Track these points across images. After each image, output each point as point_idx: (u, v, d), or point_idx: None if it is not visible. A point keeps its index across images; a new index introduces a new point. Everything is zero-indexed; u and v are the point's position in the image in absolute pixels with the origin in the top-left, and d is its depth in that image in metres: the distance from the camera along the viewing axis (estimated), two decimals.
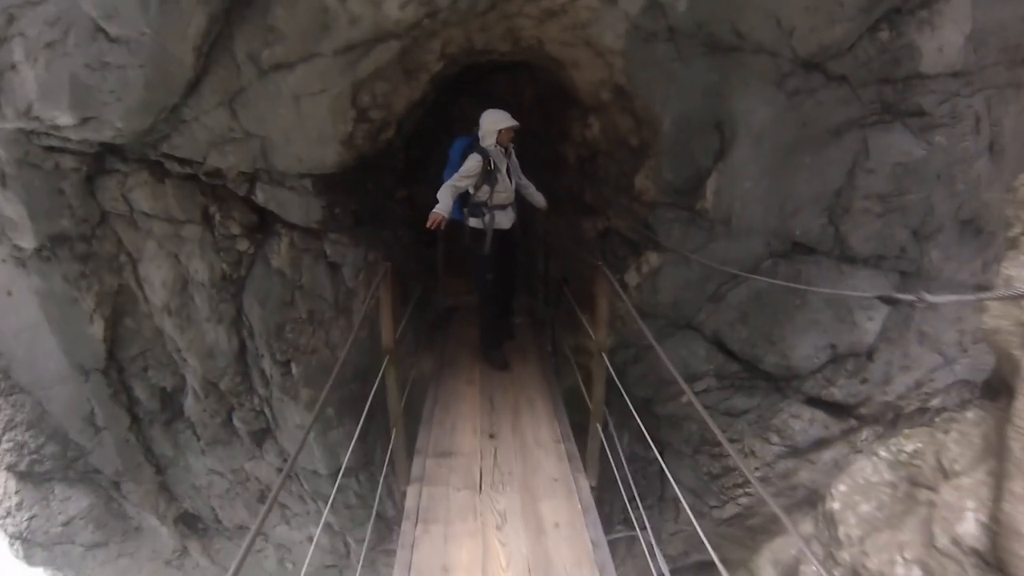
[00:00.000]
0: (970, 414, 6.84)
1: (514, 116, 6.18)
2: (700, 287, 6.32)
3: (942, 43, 5.39)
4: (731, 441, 6.51)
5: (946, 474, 6.25)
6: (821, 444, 6.75)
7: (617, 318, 6.45)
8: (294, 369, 6.52)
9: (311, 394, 6.55)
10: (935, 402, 6.91)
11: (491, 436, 5.51)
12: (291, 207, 6.13)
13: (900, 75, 5.67)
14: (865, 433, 6.85)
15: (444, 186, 5.85)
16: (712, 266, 5.74)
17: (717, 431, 2.84)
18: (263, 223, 6.33)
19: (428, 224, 5.46)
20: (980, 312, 6.67)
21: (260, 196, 6.05)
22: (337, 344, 6.51)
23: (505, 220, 6.44)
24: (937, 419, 6.93)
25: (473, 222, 6.29)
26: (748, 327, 6.28)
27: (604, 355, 4.90)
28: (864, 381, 6.50)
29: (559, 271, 7.84)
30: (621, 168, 6.60)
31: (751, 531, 7.26)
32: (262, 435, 7.15)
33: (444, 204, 5.67)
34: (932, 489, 6.26)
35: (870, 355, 6.43)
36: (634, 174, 6.37)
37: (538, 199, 6.69)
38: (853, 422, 6.75)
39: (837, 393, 6.49)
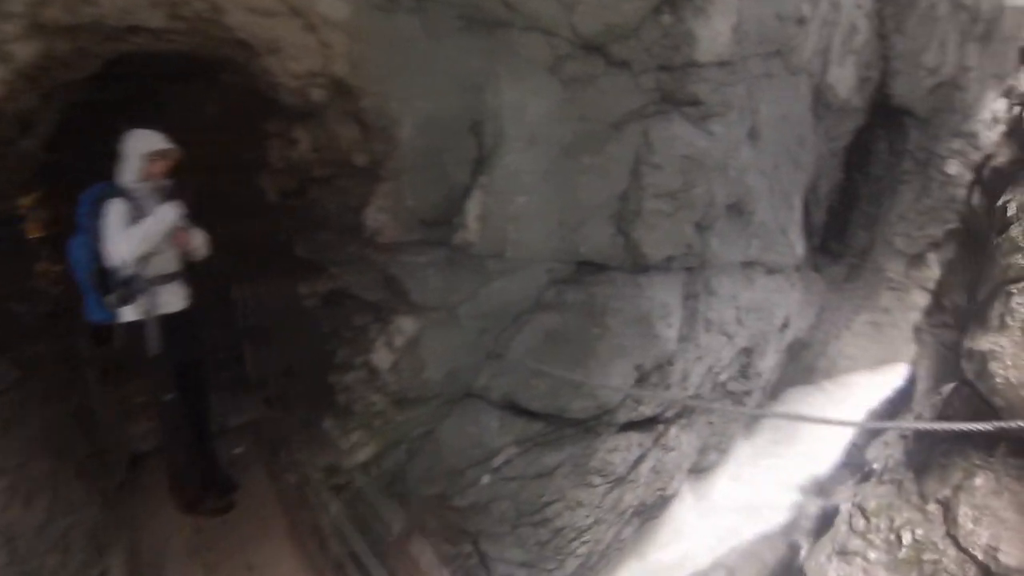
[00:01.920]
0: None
1: (182, 140, 4.04)
2: (476, 345, 4.68)
3: (714, 32, 4.81)
4: (551, 503, 5.31)
5: None
6: (639, 461, 6.00)
7: (374, 415, 4.53)
8: None
9: None
10: (722, 377, 6.65)
11: None
12: None
13: (679, 62, 4.81)
14: (672, 430, 6.36)
15: (127, 232, 3.73)
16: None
17: None
18: None
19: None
20: (751, 283, 6.47)
21: None
22: None
23: (174, 299, 4.03)
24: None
25: (124, 312, 3.82)
26: (545, 378, 4.94)
27: None
28: (668, 387, 5.83)
29: (277, 361, 5.53)
30: (345, 201, 4.53)
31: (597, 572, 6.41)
32: None
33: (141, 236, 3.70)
34: None
35: (671, 360, 5.76)
36: (364, 207, 4.41)
37: (195, 241, 4.15)
38: (661, 427, 6.15)
39: (647, 410, 5.63)
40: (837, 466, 6.23)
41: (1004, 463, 2.24)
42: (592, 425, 5.30)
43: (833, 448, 6.86)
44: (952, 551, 2.23)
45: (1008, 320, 2.17)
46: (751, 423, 7.55)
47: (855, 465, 5.75)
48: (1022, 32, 6.11)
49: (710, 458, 7.15)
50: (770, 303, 6.59)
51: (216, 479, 4.56)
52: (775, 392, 7.62)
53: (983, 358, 2.21)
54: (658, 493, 6.33)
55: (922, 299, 7.10)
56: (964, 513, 2.20)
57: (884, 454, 2.76)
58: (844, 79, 5.70)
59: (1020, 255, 2.13)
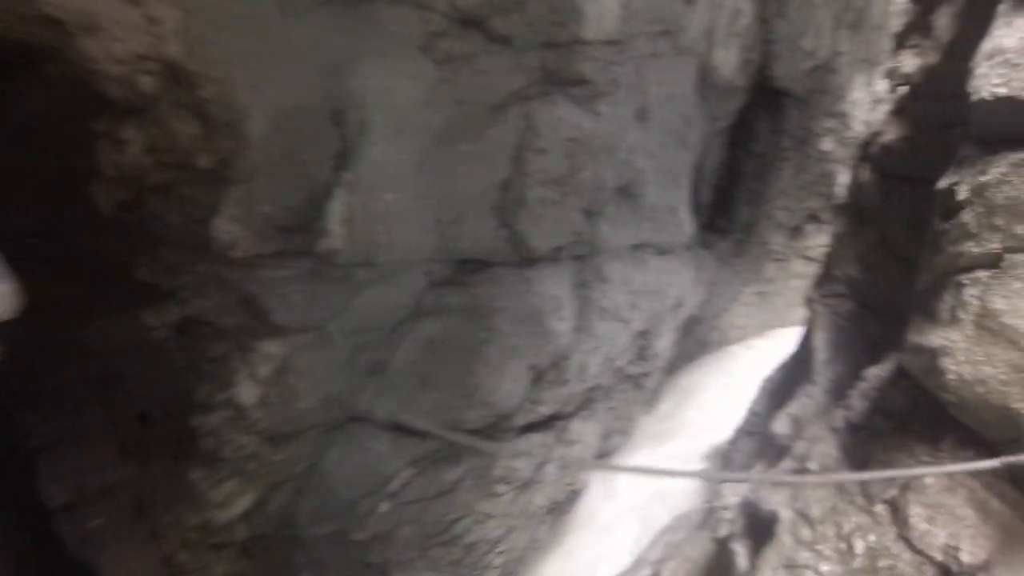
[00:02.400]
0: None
1: None
2: (353, 364, 4.12)
3: (602, 8, 4.51)
4: (458, 520, 4.83)
5: None
6: (544, 461, 5.66)
7: (247, 459, 3.81)
8: None
9: None
10: (620, 363, 6.47)
11: None
12: None
13: (564, 39, 4.39)
14: (574, 424, 6.10)
15: None
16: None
17: None
18: None
19: None
20: (643, 266, 6.31)
21: None
22: None
23: None
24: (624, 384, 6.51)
25: None
26: (434, 390, 4.42)
27: None
28: (565, 383, 5.53)
29: (131, 406, 4.62)
30: (190, 211, 3.81)
31: None
32: None
33: None
34: None
35: (566, 355, 5.45)
36: (212, 217, 3.72)
37: None
38: (561, 423, 5.86)
39: (545, 409, 5.32)
40: (739, 433, 6.29)
41: (955, 457, 2.05)
42: (490, 433, 4.91)
43: (732, 416, 6.98)
44: (907, 555, 2.03)
45: (960, 313, 1.96)
46: (651, 399, 7.53)
47: (758, 434, 5.79)
48: (888, 20, 6.39)
49: (613, 442, 7.03)
50: (663, 284, 6.49)
51: None
52: (672, 368, 7.64)
53: (933, 354, 2.00)
54: (568, 489, 6.09)
55: (802, 267, 7.37)
56: (916, 513, 2.00)
57: (818, 451, 2.59)
58: (728, 60, 5.61)
59: (972, 242, 1.92)
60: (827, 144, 6.43)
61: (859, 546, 2.10)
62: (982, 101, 1.88)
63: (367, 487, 4.10)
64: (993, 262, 1.88)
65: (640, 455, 6.98)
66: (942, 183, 2.08)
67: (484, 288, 4.61)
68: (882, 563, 2.05)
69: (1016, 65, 1.80)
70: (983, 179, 1.88)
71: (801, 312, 7.88)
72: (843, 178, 6.81)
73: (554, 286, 5.10)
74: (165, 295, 3.90)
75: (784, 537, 2.34)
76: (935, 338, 2.01)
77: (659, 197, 6.11)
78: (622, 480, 6.55)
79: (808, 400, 4.47)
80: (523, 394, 4.98)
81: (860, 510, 2.19)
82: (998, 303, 1.86)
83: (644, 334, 6.56)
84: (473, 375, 4.58)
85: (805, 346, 5.66)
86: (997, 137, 1.87)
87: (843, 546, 2.14)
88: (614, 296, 5.91)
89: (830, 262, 4.71)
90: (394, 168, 4.02)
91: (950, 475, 1.98)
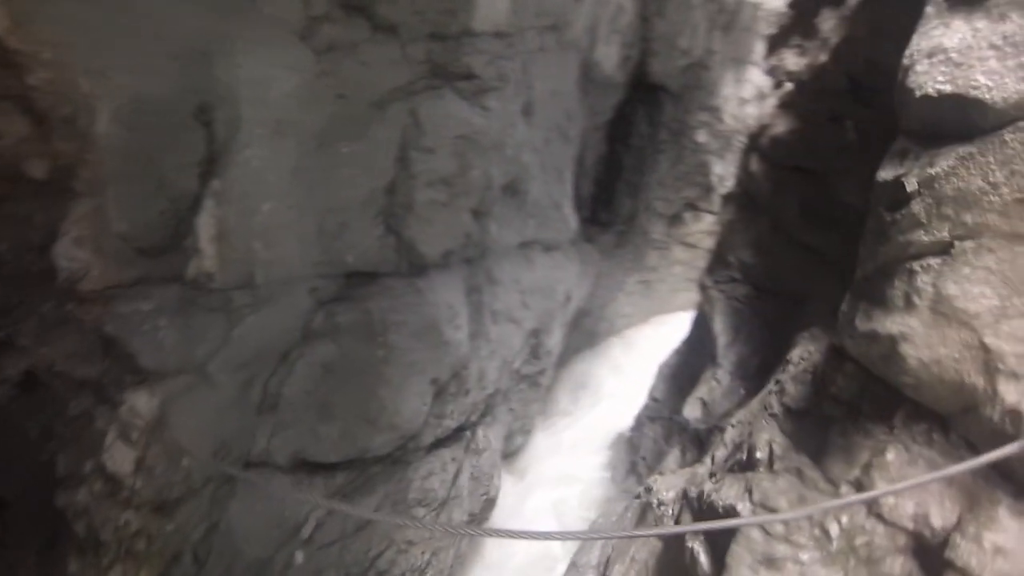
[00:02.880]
0: None
1: None
2: (242, 403, 3.56)
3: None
4: (381, 554, 4.40)
5: None
6: (457, 475, 5.38)
7: (133, 537, 3.01)
8: None
9: None
10: (516, 365, 6.38)
11: None
12: None
13: (453, 30, 4.09)
14: (480, 432, 5.89)
15: None
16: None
17: None
18: None
19: None
20: (531, 264, 6.24)
21: None
22: None
23: None
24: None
25: None
26: (336, 419, 3.93)
27: None
28: (467, 392, 5.30)
29: None
30: (23, 234, 2.96)
31: None
32: None
33: None
34: None
35: (465, 364, 5.22)
36: (52, 241, 3.05)
37: None
38: (468, 433, 5.62)
39: (451, 422, 4.99)
40: (640, 420, 6.48)
41: (910, 431, 2.13)
42: (399, 456, 4.56)
43: (628, 404, 7.19)
44: (881, 528, 2.07)
45: (915, 299, 2.01)
46: (546, 395, 7.54)
47: (661, 419, 5.98)
48: (756, 23, 6.91)
49: (516, 442, 6.93)
50: (551, 280, 6.47)
51: None
52: (562, 362, 7.71)
53: (891, 340, 2.05)
54: (483, 498, 5.87)
55: (683, 254, 7.77)
56: (883, 489, 2.03)
57: (762, 440, 2.62)
58: (610, 56, 5.66)
59: (922, 231, 1.97)
60: (701, 136, 6.81)
61: (834, 529, 2.13)
62: (926, 97, 1.94)
63: (277, 539, 3.52)
64: (944, 249, 1.95)
65: (543, 451, 6.96)
66: (884, 175, 2.15)
67: (376, 302, 4.17)
68: (859, 541, 2.08)
69: (959, 64, 1.87)
70: (932, 171, 1.94)
71: (685, 297, 8.36)
72: (718, 168, 7.30)
73: (447, 293, 4.81)
74: (1, 344, 3.04)
75: (753, 533, 2.33)
76: (891, 325, 2.06)
77: (544, 193, 6.06)
78: (533, 478, 6.48)
79: (716, 384, 4.65)
80: (427, 411, 4.65)
81: (827, 494, 2.23)
82: (951, 288, 1.94)
83: (536, 332, 6.49)
84: (375, 398, 4.14)
85: (699, 330, 5.92)
86: (940, 132, 1.95)
87: (818, 532, 2.15)
88: (505, 298, 5.76)
89: (721, 250, 4.94)
90: (270, 174, 3.48)
91: (907, 448, 2.06)
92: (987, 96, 1.85)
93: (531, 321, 6.18)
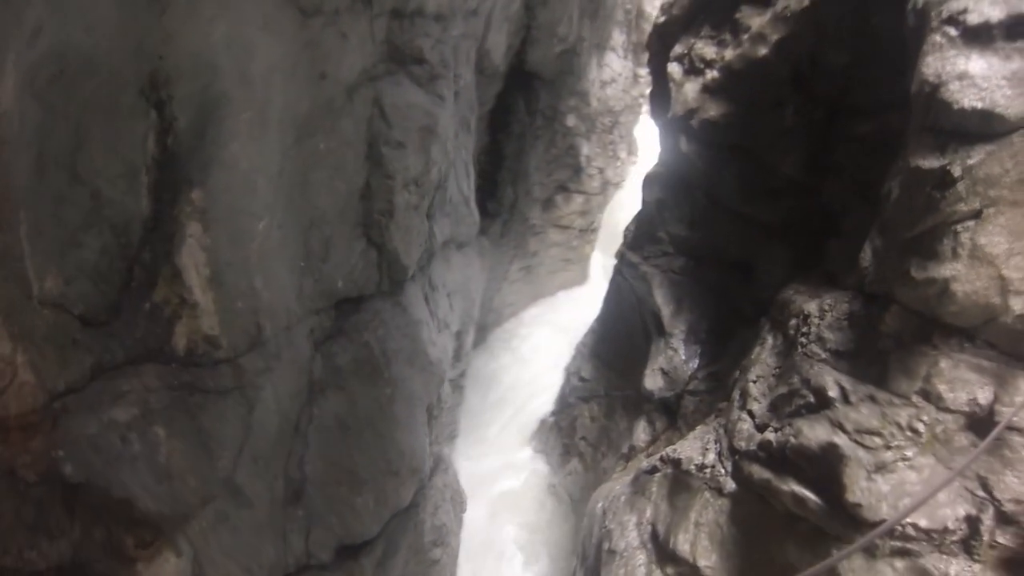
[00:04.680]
0: None
1: None
2: (273, 521, 3.07)
3: None
4: None
5: None
6: (441, 500, 5.21)
7: None
8: None
9: None
10: (451, 373, 6.29)
11: None
12: None
13: (410, 7, 3.76)
14: (444, 450, 5.76)
15: None
16: None
17: None
18: None
19: None
20: (450, 264, 6.18)
21: None
22: None
23: None
24: None
25: None
26: (366, 484, 3.53)
27: None
28: (441, 411, 5.16)
29: None
30: None
31: None
32: None
33: None
34: None
35: (441, 381, 4.96)
36: None
37: None
38: (444, 451, 5.47)
39: (436, 447, 4.69)
40: (564, 402, 6.91)
41: (948, 345, 2.93)
42: (418, 501, 4.34)
43: (537, 389, 7.58)
44: (948, 416, 2.88)
45: (959, 250, 2.77)
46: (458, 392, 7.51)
47: (598, 396, 6.47)
48: (615, 12, 7.54)
49: (451, 446, 6.90)
50: (466, 279, 6.43)
51: None
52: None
53: (945, 281, 2.79)
54: (461, 515, 5.79)
55: (557, 236, 8.30)
56: (941, 389, 2.82)
57: (828, 381, 3.19)
58: (499, 45, 5.68)
59: (963, 203, 2.75)
60: (571, 120, 7.29)
61: (920, 427, 2.83)
62: (962, 109, 2.70)
63: None
64: (976, 214, 2.76)
65: (473, 451, 7.01)
66: (927, 163, 2.85)
67: (372, 332, 3.67)
68: (937, 430, 2.83)
69: (984, 88, 2.68)
70: (970, 162, 2.71)
71: (562, 278, 8.97)
72: (585, 149, 7.93)
73: (418, 307, 4.62)
74: None
75: (857, 452, 2.90)
76: (944, 270, 2.80)
77: (455, 188, 6.05)
78: (473, 478, 6.48)
79: (672, 352, 5.27)
80: (426, 441, 4.51)
81: (901, 406, 2.91)
82: (981, 240, 2.74)
83: (459, 335, 6.49)
84: (392, 444, 3.67)
85: (617, 306, 6.52)
86: (971, 133, 2.73)
87: (909, 433, 2.83)
88: (440, 302, 5.69)
89: (649, 227, 5.52)
90: (260, 178, 2.78)
91: (950, 357, 2.83)
92: (1004, 112, 2.67)
93: (456, 324, 6.16)
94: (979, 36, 2.81)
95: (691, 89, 4.86)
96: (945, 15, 2.90)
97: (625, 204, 8.85)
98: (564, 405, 6.88)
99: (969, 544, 2.66)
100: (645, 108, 8.90)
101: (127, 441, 2.30)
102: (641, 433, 5.34)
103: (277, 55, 2.81)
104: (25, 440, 2.11)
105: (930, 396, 2.88)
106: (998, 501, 2.61)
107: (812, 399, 3.30)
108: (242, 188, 2.72)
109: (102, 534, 2.28)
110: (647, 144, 9.23)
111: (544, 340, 8.04)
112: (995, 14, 2.77)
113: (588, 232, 8.66)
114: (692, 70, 4.92)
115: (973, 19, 2.81)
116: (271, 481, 2.95)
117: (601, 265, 8.85)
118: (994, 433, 2.46)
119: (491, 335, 8.11)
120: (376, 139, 3.72)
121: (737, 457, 3.68)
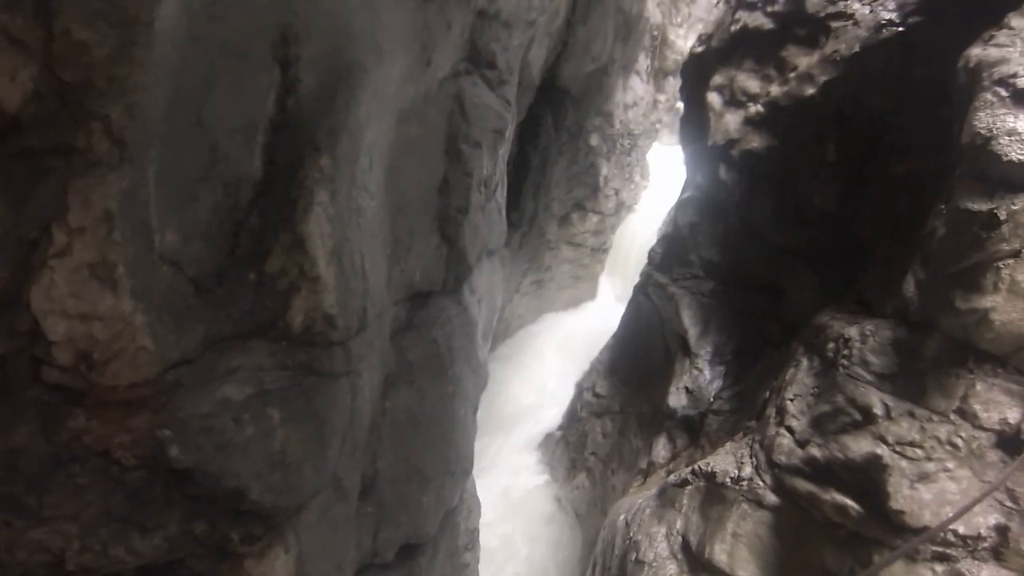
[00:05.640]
0: None
1: None
2: (357, 516, 3.28)
3: None
4: None
5: None
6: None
7: None
8: None
9: None
10: None
11: None
12: None
13: (492, 9, 3.99)
14: None
15: None
16: None
17: None
18: None
19: None
20: (480, 269, 6.46)
21: None
22: None
23: None
24: None
25: None
26: (431, 482, 3.72)
27: None
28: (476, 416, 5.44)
29: None
30: None
31: None
32: None
33: None
34: None
35: (486, 385, 5.29)
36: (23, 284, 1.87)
37: None
38: None
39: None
40: (573, 416, 7.20)
41: (983, 370, 3.33)
42: (459, 508, 4.57)
43: (544, 402, 7.86)
44: (982, 433, 3.31)
45: (1000, 285, 3.21)
46: None
47: (611, 413, 6.79)
48: (644, 37, 8.00)
49: None
50: (492, 286, 6.77)
51: None
52: None
53: (985, 311, 3.23)
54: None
55: (570, 253, 8.66)
56: (977, 409, 3.24)
57: (873, 400, 3.58)
58: (539, 58, 6.05)
59: (1005, 243, 3.20)
60: (594, 139, 7.69)
61: (959, 442, 3.24)
62: (1010, 161, 3.16)
63: None
64: (1016, 254, 3.21)
65: (477, 460, 7.21)
66: (975, 206, 3.29)
67: (439, 329, 3.80)
68: (973, 445, 3.23)
69: None
70: (1014, 207, 3.17)
71: (570, 295, 9.32)
72: (604, 170, 8.34)
73: (473, 308, 4.90)
74: None
75: (900, 463, 3.28)
76: (985, 302, 3.24)
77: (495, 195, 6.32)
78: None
79: (697, 372, 5.64)
80: (474, 443, 4.74)
81: (938, 422, 3.31)
82: (1019, 276, 3.19)
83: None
84: (451, 443, 3.85)
85: (636, 325, 6.87)
86: (1015, 182, 3.18)
87: (948, 447, 3.24)
88: (477, 306, 5.97)
89: (681, 250, 5.93)
90: (376, 156, 2.91)
91: (985, 380, 3.25)
92: None
93: (482, 329, 6.43)
94: None
95: (732, 120, 5.29)
96: (996, 77, 3.37)
97: (635, 227, 9.29)
98: (574, 419, 7.16)
99: (998, 551, 3.04)
100: (660, 133, 9.43)
101: (240, 423, 2.18)
102: (661, 450, 5.65)
103: (402, 31, 2.89)
104: (126, 417, 1.96)
105: (966, 415, 3.30)
106: None
107: (858, 416, 3.69)
108: (363, 161, 2.76)
109: (204, 528, 2.13)
110: (659, 170, 9.73)
111: (551, 355, 8.34)
112: None
113: (600, 252, 9.05)
114: (733, 101, 5.35)
115: (1023, 83, 3.28)
116: (359, 474, 3.01)
117: (609, 285, 9.24)
118: None
119: (498, 346, 8.37)
120: (455, 135, 3.86)
121: (777, 470, 4.02)
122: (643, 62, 8.61)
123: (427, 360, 3.74)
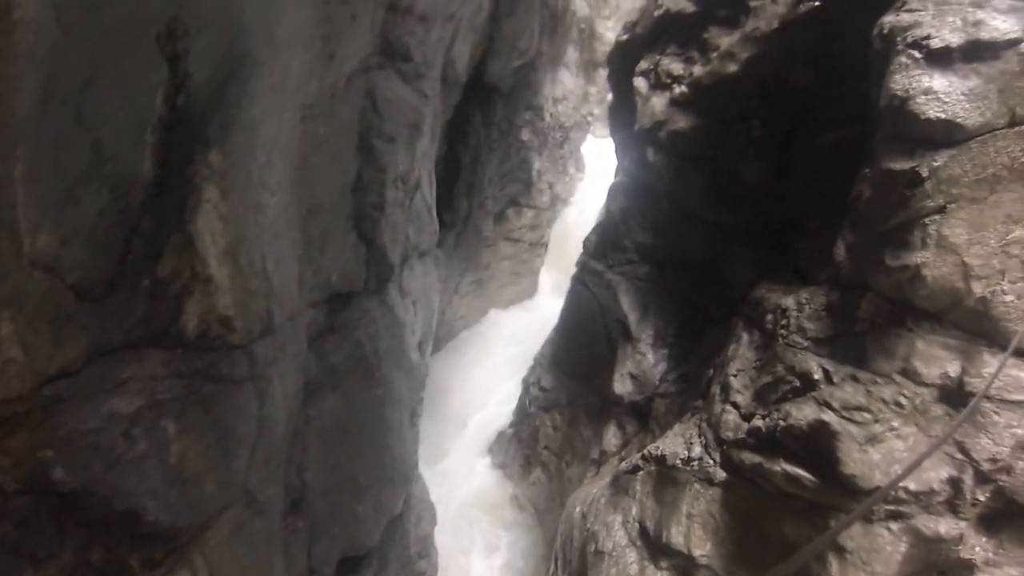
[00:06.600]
0: None
1: None
2: (284, 522, 3.07)
3: None
4: None
5: None
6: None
7: None
8: None
9: None
10: None
11: None
12: None
13: (404, 4, 3.85)
14: None
15: None
16: None
17: None
18: None
19: None
20: (412, 272, 6.21)
21: None
22: None
23: None
24: None
25: None
26: (367, 491, 3.50)
27: None
28: (418, 419, 5.19)
29: None
30: None
31: None
32: None
33: None
34: None
35: (423, 387, 5.03)
36: None
37: None
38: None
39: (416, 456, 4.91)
40: (523, 412, 7.00)
41: (920, 327, 3.30)
42: (404, 512, 4.32)
43: (492, 402, 7.64)
44: (924, 389, 3.22)
45: (928, 241, 3.19)
46: None
47: (559, 406, 6.62)
48: (571, 30, 7.88)
49: None
50: (427, 288, 6.52)
51: None
52: None
53: (916, 268, 3.20)
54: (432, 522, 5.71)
55: (508, 249, 8.46)
56: (916, 366, 3.20)
57: (812, 366, 3.52)
58: (463, 54, 5.83)
59: (930, 199, 3.18)
60: (525, 134, 7.53)
61: (903, 400, 3.18)
62: (928, 119, 3.15)
63: None
64: (941, 209, 3.20)
65: (428, 463, 6.93)
66: (898, 165, 3.28)
67: (363, 331, 3.60)
68: (917, 401, 3.18)
69: (946, 103, 3.15)
70: (936, 164, 3.17)
71: (511, 291, 9.12)
72: (536, 164, 8.19)
73: (400, 308, 4.67)
74: None
75: (848, 427, 3.22)
76: (915, 258, 3.22)
77: (421, 195, 6.13)
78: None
79: (640, 357, 5.54)
80: (413, 447, 4.50)
81: (883, 384, 3.28)
82: (946, 231, 3.18)
83: (420, 346, 6.55)
84: (385, 448, 3.58)
85: (576, 315, 6.72)
86: (935, 140, 3.18)
87: (894, 407, 3.17)
88: (410, 308, 5.74)
89: (614, 236, 5.83)
90: (276, 152, 2.71)
91: (924, 338, 3.24)
92: (964, 122, 3.15)
93: (418, 334, 6.20)
94: (940, 58, 3.29)
95: (658, 102, 5.22)
96: (910, 40, 3.39)
97: (572, 219, 9.20)
98: (524, 416, 6.97)
99: (954, 504, 3.00)
100: (593, 126, 9.38)
101: (131, 438, 2.01)
102: (612, 438, 5.52)
103: (300, 23, 2.74)
104: (3, 437, 1.77)
105: (909, 373, 3.26)
106: (976, 462, 2.97)
107: (798, 383, 3.63)
108: (260, 157, 2.60)
109: (100, 555, 1.95)
110: (594, 162, 9.68)
111: (497, 353, 8.14)
112: (955, 40, 3.25)
113: (538, 246, 8.92)
114: (659, 84, 5.29)
115: (935, 44, 3.29)
116: (279, 487, 2.80)
117: (549, 279, 9.12)
118: (974, 402, 2.83)
119: (442, 348, 8.12)
120: (368, 131, 3.71)
121: (725, 447, 3.94)
122: (572, 55, 8.55)
123: (352, 363, 3.55)
